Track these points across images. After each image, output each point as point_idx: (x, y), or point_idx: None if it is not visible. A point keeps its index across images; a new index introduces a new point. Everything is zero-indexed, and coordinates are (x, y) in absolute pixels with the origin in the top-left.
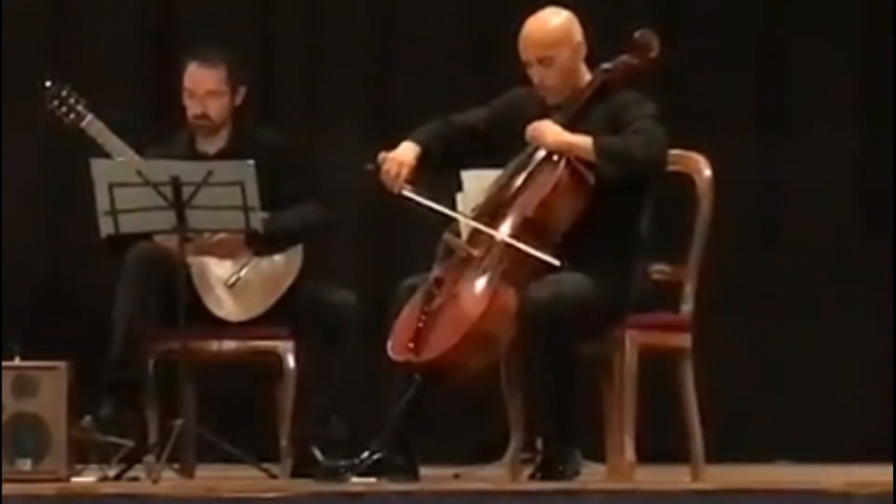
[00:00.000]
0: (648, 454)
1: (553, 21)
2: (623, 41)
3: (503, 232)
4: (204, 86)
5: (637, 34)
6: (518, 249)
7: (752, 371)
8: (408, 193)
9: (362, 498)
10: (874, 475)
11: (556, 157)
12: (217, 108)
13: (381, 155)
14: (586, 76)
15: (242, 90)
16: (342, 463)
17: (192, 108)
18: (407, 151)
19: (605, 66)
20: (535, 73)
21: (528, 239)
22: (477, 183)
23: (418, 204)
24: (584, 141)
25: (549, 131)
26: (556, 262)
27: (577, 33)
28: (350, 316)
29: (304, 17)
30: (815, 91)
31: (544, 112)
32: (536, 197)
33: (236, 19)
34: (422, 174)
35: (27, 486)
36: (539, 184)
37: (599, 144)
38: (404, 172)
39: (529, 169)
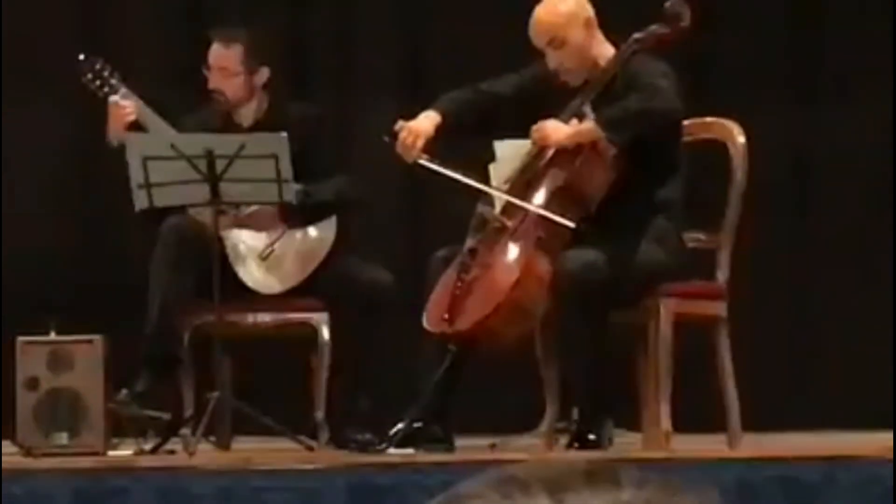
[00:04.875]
0: (684, 423)
1: (558, 3)
2: (655, 12)
3: (535, 202)
4: (218, 63)
5: (667, 4)
6: (547, 219)
7: (788, 339)
8: (423, 163)
9: (398, 469)
10: None
11: None
12: (230, 86)
13: (399, 124)
14: (607, 51)
15: (264, 71)
16: (377, 435)
17: (210, 83)
18: (425, 121)
19: (637, 35)
20: (551, 58)
21: (562, 208)
22: (510, 153)
23: (436, 173)
24: (586, 126)
25: (551, 131)
26: (572, 225)
27: (585, 10)
28: (385, 294)
29: None
30: (851, 57)
31: (568, 89)
32: (567, 167)
33: None
34: (444, 142)
35: (64, 460)
36: (569, 153)
37: (601, 120)
38: (420, 142)
39: None
